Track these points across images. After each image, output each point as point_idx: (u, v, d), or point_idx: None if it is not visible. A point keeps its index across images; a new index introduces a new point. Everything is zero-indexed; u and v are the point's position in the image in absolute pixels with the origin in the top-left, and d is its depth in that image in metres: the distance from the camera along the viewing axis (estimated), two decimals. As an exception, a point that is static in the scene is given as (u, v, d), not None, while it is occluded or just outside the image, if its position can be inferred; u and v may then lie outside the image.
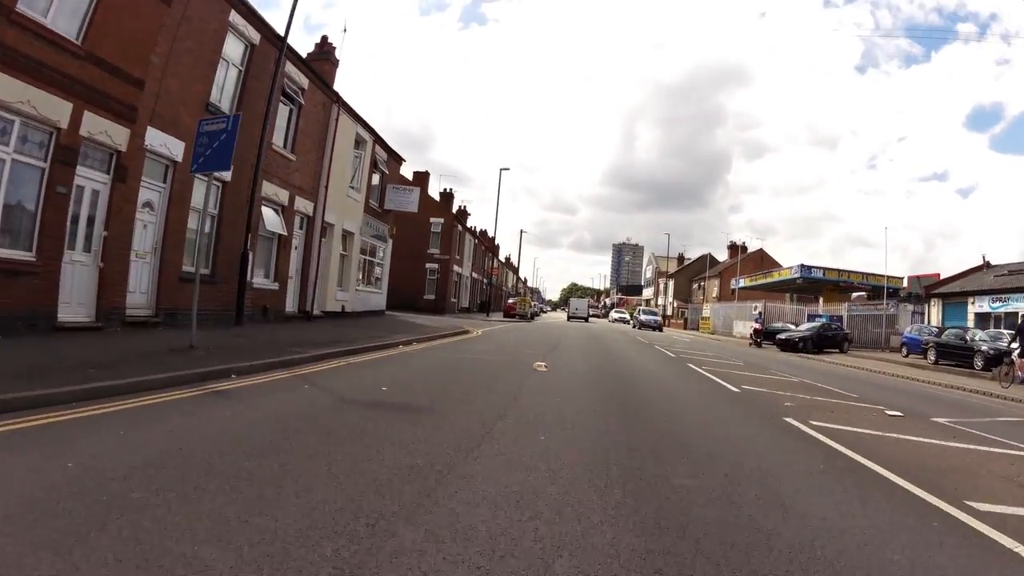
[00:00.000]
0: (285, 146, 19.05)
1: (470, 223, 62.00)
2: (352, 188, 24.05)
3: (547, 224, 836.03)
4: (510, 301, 50.52)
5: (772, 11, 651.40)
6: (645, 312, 60.40)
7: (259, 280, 17.93)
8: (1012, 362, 17.52)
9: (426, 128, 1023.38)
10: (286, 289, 19.32)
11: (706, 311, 56.33)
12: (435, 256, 42.93)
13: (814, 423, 7.90)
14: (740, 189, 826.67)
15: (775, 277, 48.15)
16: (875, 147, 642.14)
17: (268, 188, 17.77)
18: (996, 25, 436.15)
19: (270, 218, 18.03)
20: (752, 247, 73.04)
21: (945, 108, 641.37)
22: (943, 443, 7.54)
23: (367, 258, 26.49)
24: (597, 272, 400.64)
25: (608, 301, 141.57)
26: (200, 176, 15.24)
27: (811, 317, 40.61)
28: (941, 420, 9.63)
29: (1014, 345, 17.81)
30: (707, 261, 77.39)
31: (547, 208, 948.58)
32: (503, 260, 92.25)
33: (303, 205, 19.97)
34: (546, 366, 12.09)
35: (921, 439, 7.65)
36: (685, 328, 61.67)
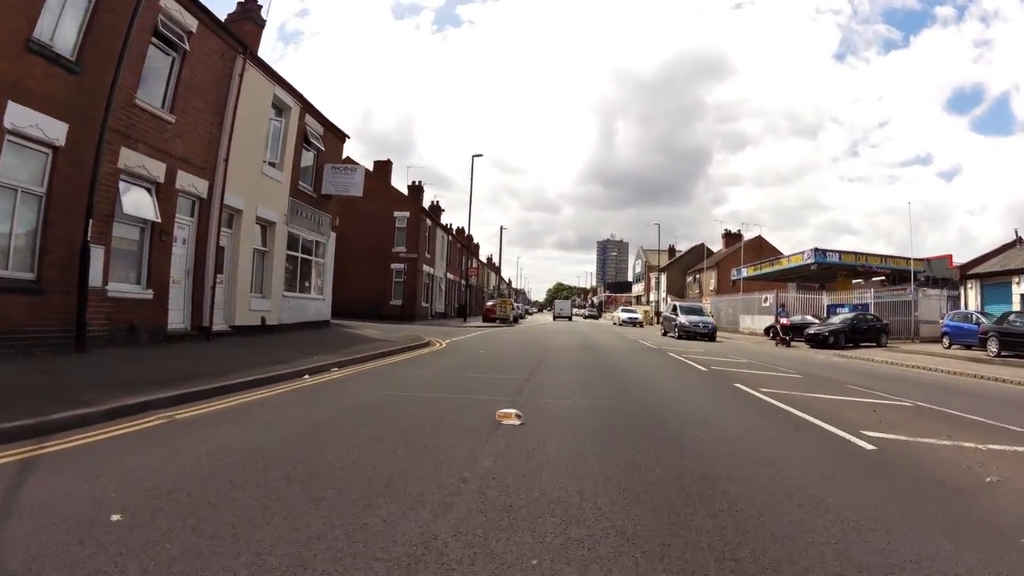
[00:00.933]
0: (163, 105, 13.93)
1: (448, 222, 56.96)
2: (270, 165, 18.83)
3: (529, 224, 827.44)
4: (489, 304, 45.04)
5: (747, 2, 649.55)
6: (687, 310, 34.49)
7: (120, 287, 12.74)
8: None
9: (405, 134, 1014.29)
10: (166, 298, 14.08)
11: (706, 305, 51.35)
12: (401, 255, 37.54)
13: None
14: (722, 181, 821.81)
15: (784, 264, 43.32)
16: (856, 134, 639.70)
17: (130, 158, 12.64)
18: (974, 7, 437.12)
19: (133, 199, 12.80)
20: (748, 236, 68.72)
21: (925, 92, 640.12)
22: None
23: (300, 255, 21.22)
24: (583, 271, 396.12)
25: (596, 299, 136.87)
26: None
27: (832, 308, 36.04)
28: None
29: None
30: (703, 252, 72.67)
31: (529, 208, 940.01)
32: (484, 260, 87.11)
33: (191, 183, 14.74)
34: (519, 417, 6.81)
35: None
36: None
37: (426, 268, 40.69)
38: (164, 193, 13.79)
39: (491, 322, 39.80)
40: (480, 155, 40.73)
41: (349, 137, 24.37)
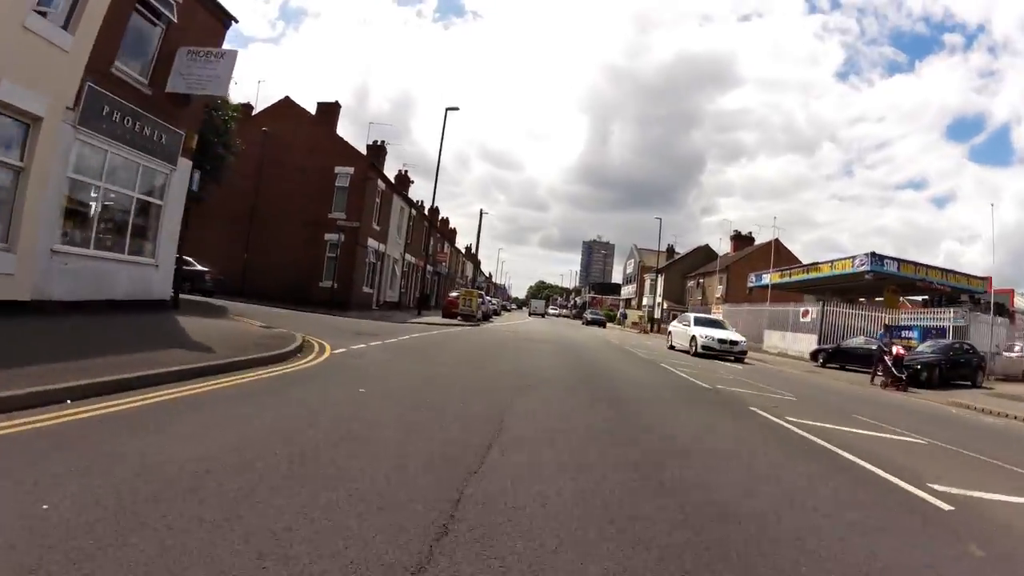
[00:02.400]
0: None
1: (419, 199, 48.15)
2: (58, 27, 10.15)
3: (517, 220, 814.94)
4: (452, 295, 35.54)
5: (754, 14, 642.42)
6: None
7: None
8: None
9: (400, 120, 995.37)
10: None
11: (717, 315, 43.01)
12: (338, 222, 28.19)
13: None
14: (714, 191, 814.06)
15: (824, 271, 34.98)
16: (852, 154, 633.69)
17: None
18: (984, 37, 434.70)
19: None
20: (760, 240, 60.92)
21: (927, 117, 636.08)
22: None
23: (105, 186, 12.34)
24: (567, 269, 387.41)
25: (579, 299, 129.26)
26: None
27: (893, 330, 27.98)
28: None
29: None
30: (707, 254, 64.57)
31: (517, 204, 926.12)
32: (463, 249, 78.34)
33: None
34: None
35: None
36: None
37: (373, 243, 31.61)
38: None
39: (451, 318, 30.90)
40: (456, 108, 31.64)
41: (237, 20, 15.52)
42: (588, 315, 68.41)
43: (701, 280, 61.08)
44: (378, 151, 35.22)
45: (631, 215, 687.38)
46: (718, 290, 55.14)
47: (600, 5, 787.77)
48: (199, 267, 26.02)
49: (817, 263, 36.77)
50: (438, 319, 29.77)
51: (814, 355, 27.32)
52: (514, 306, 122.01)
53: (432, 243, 49.14)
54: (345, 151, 29.31)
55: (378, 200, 31.39)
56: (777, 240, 58.27)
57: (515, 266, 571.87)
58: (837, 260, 34.54)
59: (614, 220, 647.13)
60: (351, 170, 28.71)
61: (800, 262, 49.36)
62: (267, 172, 28.78)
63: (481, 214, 60.70)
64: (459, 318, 30.71)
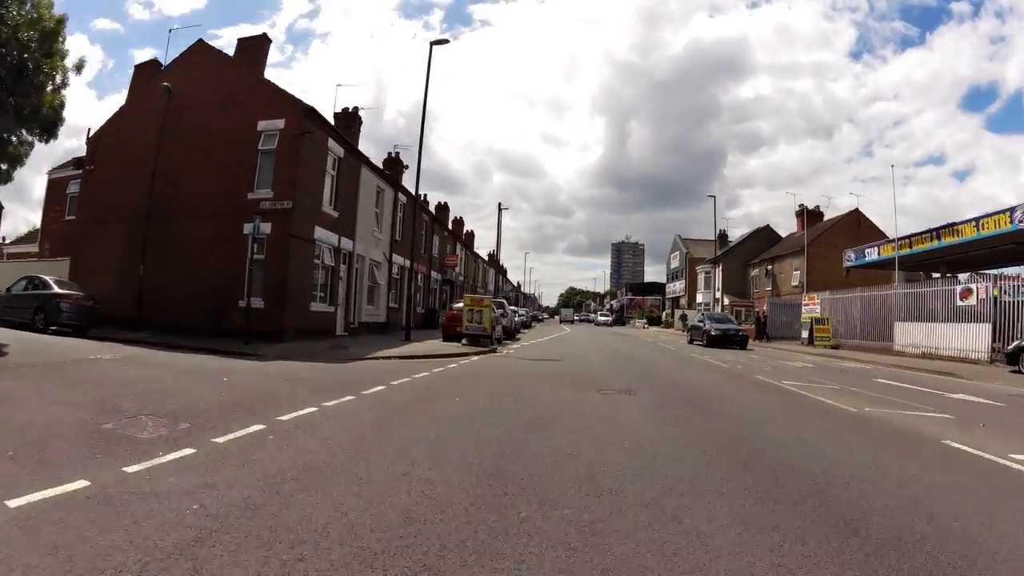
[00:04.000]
0: None
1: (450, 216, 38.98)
2: None
3: (542, 228, 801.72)
4: (454, 306, 24.79)
5: (763, 0, 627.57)
6: None
7: None
8: None
9: (413, 135, 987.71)
10: None
11: (812, 306, 32.83)
12: (261, 204, 18.41)
13: None
14: (736, 183, 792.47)
15: (967, 234, 24.92)
16: (872, 134, 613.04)
17: None
18: (989, 3, 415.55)
19: None
20: (829, 214, 51.00)
21: (941, 90, 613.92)
22: None
23: None
24: (599, 273, 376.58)
25: (615, 303, 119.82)
26: None
27: None
28: None
29: None
30: (768, 236, 54.61)
31: (541, 212, 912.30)
32: (486, 257, 69.03)
33: None
34: None
35: None
36: (761, 339, 37.94)
37: (325, 236, 21.31)
38: None
39: (453, 340, 21.24)
40: (445, 41, 22.31)
41: None
42: (712, 327, 30.71)
43: (770, 267, 50.96)
44: (350, 119, 26.13)
45: (657, 214, 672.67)
46: (794, 277, 45.12)
47: (609, 3, 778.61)
48: (57, 290, 17.24)
49: (954, 224, 26.60)
50: (433, 345, 20.39)
51: (1013, 356, 17.51)
52: (546, 315, 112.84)
53: (438, 242, 40.01)
54: (273, 99, 19.72)
55: (333, 172, 21.54)
56: (858, 211, 48.44)
57: (544, 275, 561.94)
58: (984, 217, 24.49)
59: (640, 220, 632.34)
60: (280, 123, 19.03)
61: (884, 233, 40.81)
62: (171, 147, 19.80)
63: (500, 208, 51.64)
64: (464, 341, 20.98)
